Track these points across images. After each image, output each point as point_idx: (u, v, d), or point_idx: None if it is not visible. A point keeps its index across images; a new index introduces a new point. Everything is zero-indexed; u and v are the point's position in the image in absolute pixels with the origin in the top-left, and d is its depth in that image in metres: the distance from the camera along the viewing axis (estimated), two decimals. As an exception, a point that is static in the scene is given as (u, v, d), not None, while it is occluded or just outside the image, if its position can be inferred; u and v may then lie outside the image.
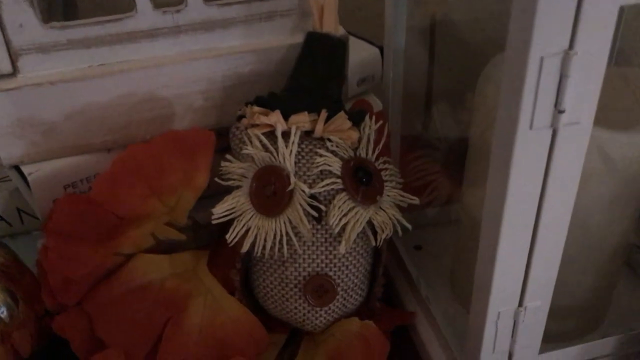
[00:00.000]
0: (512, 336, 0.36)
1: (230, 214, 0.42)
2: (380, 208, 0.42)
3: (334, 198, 0.41)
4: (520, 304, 0.35)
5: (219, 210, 0.42)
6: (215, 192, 0.45)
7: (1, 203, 0.50)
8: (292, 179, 0.40)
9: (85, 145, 0.46)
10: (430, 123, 0.52)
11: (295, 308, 0.43)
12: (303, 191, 0.40)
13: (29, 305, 0.42)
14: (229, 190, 0.42)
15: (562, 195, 0.31)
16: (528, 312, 0.35)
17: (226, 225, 0.49)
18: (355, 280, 0.43)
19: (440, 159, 0.51)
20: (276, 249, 0.41)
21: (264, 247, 0.41)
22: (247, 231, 0.41)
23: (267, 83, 0.47)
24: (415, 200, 0.44)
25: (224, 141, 0.46)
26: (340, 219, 0.40)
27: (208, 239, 0.48)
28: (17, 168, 0.50)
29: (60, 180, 0.45)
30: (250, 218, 0.42)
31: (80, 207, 0.40)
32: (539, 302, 0.35)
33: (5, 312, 0.40)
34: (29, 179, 0.44)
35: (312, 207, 0.40)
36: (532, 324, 0.36)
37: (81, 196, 0.40)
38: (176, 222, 0.46)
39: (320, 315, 0.43)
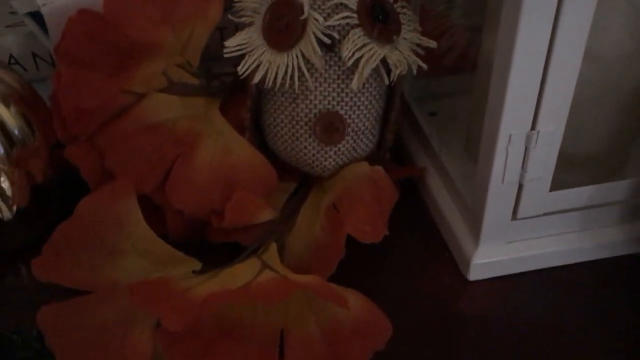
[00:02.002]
0: (523, 165, 0.36)
1: (242, 48, 0.41)
2: (396, 48, 0.41)
3: (348, 33, 0.40)
4: (533, 127, 0.34)
5: (231, 44, 0.42)
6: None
7: (16, 46, 0.50)
8: (306, 9, 0.39)
9: (100, -21, 0.45)
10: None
11: (305, 148, 0.43)
12: (317, 20, 0.39)
13: (43, 134, 0.42)
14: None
15: (578, 16, 0.30)
16: (540, 137, 0.34)
17: (239, 78, 0.49)
18: (366, 123, 0.42)
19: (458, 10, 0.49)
20: (287, 83, 0.40)
21: (274, 81, 0.40)
22: (258, 66, 0.41)
23: None
24: (433, 44, 0.42)
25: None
26: (354, 53, 0.39)
27: (219, 89, 0.48)
28: (31, 14, 0.50)
29: (74, 12, 0.45)
30: (262, 53, 0.41)
31: (93, 25, 0.40)
32: (552, 127, 0.34)
33: (20, 138, 0.40)
34: (43, 10, 0.44)
35: (325, 36, 0.39)
36: (544, 152, 0.35)
37: (95, 13, 0.40)
38: (191, 64, 0.45)
39: (330, 157, 0.43)
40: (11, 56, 0.50)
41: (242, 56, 0.42)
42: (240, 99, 0.47)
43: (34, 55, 0.51)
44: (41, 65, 0.51)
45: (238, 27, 0.43)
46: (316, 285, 0.35)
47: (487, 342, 0.38)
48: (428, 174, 0.47)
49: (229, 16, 0.43)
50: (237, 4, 0.43)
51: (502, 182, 0.36)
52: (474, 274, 0.41)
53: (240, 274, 0.38)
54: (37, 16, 0.50)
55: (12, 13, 0.52)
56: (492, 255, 0.40)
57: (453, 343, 0.39)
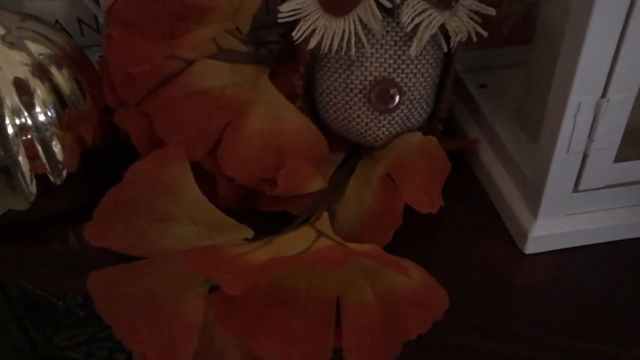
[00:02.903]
0: (590, 135, 0.35)
1: (297, 14, 0.41)
2: (455, 15, 0.40)
3: (406, -1, 0.39)
4: (604, 94, 0.33)
5: (286, 9, 0.41)
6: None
7: (62, 11, 0.49)
8: (365, -28, 0.38)
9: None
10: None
11: (358, 116, 0.42)
12: (376, -16, 0.38)
13: (93, 98, 0.42)
14: None
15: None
16: (610, 105, 0.33)
17: (289, 47, 0.48)
18: (422, 91, 0.41)
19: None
20: (344, 48, 0.39)
21: (330, 46, 0.39)
22: (313, 31, 0.40)
23: None
24: (492, 11, 0.41)
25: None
26: (413, 18, 0.38)
27: (267, 58, 0.47)
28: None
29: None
30: (318, 18, 0.40)
31: (146, -13, 0.39)
32: (624, 94, 0.33)
33: (72, 101, 0.40)
34: (92, -28, 0.43)
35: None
36: (613, 121, 0.34)
37: (147, -26, 0.39)
38: (240, 31, 0.44)
39: (383, 125, 0.42)
40: (56, 22, 0.50)
41: (289, 24, 0.41)
42: (289, 67, 0.46)
43: (79, 21, 0.50)
44: (86, 32, 0.51)
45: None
46: (377, 253, 0.34)
47: (542, 315, 0.38)
48: (480, 146, 0.46)
49: (281, -19, 0.42)
50: (291, -32, 0.42)
51: (567, 152, 0.35)
52: (531, 247, 0.40)
53: (294, 241, 0.37)
54: (81, -19, 0.49)
55: (57, -22, 0.52)
56: (550, 228, 0.39)
57: (506, 315, 0.38)
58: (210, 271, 0.34)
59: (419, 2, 0.39)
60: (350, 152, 0.46)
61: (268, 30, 0.51)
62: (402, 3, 0.39)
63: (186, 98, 0.43)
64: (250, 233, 0.40)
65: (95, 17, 0.50)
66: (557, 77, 0.34)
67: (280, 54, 0.48)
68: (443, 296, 0.36)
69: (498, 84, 0.51)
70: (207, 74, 0.43)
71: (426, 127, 0.44)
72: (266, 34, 0.50)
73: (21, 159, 0.39)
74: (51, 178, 0.41)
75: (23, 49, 0.39)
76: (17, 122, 0.38)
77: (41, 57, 0.39)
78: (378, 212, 0.39)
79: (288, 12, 0.41)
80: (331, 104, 0.42)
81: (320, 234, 0.38)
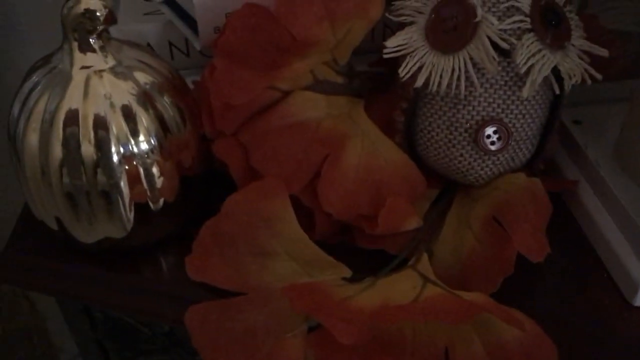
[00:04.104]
0: None
1: (403, 49, 0.40)
2: (567, 55, 0.39)
3: (519, 38, 0.38)
4: None
5: (391, 44, 0.40)
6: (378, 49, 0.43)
7: (154, 34, 0.49)
8: (479, 11, 0.37)
9: (251, -29, 0.44)
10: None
11: (461, 155, 0.41)
12: (491, 23, 0.37)
13: (193, 125, 0.41)
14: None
15: None
16: None
17: (382, 78, 0.47)
18: (529, 132, 0.40)
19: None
20: (453, 87, 0.38)
21: (439, 85, 0.38)
22: (420, 68, 0.39)
23: None
24: (604, 52, 0.40)
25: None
26: (528, 59, 0.37)
27: (361, 89, 0.46)
28: (167, 2, 0.49)
29: (223, 6, 0.44)
30: (425, 54, 0.39)
31: (256, 20, 0.39)
32: None
33: (173, 128, 0.40)
34: (195, 0, 0.43)
35: (502, 40, 0.37)
36: None
37: (262, 7, 0.39)
38: (337, 62, 0.44)
39: (487, 166, 0.41)
40: (148, 44, 0.50)
41: (381, 56, 0.41)
42: (381, 97, 0.46)
43: (171, 44, 0.50)
44: (176, 55, 0.51)
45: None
46: (492, 306, 0.33)
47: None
48: (580, 187, 0.44)
49: (387, 15, 0.41)
50: (397, 3, 0.41)
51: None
52: (641, 300, 0.38)
53: (400, 287, 0.36)
54: (172, 3, 0.49)
55: (148, 0, 0.52)
56: (663, 280, 0.38)
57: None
58: (320, 315, 0.33)
59: (533, 43, 0.38)
60: (445, 187, 0.45)
61: (356, 58, 0.50)
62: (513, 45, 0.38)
63: (283, 129, 0.42)
64: (348, 272, 0.39)
65: (186, 41, 0.50)
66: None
67: (375, 84, 0.47)
68: (552, 349, 0.35)
69: (594, 120, 0.49)
70: (304, 106, 0.43)
71: (526, 166, 0.43)
72: (354, 61, 0.49)
73: (123, 185, 0.39)
74: (151, 205, 0.40)
75: (130, 78, 0.39)
76: (122, 149, 0.38)
77: (147, 85, 0.39)
78: (483, 257, 0.38)
79: (394, 47, 0.40)
80: (432, 141, 0.41)
81: (425, 279, 0.37)
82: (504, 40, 0.37)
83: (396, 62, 0.41)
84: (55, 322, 1.00)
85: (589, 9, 0.52)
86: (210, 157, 0.44)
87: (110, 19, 0.37)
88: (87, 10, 0.36)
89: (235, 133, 0.43)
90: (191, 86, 0.48)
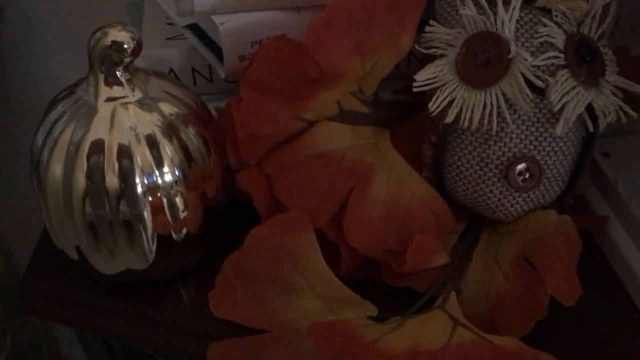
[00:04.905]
0: None
1: (432, 82, 0.39)
2: (601, 92, 0.38)
3: (553, 74, 0.37)
4: None
5: (421, 78, 0.39)
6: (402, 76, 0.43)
7: (177, 59, 0.49)
8: (513, 47, 0.37)
9: (278, 0, 0.43)
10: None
11: (491, 192, 0.40)
12: (525, 59, 0.36)
13: (217, 155, 0.41)
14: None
15: None
16: None
17: (407, 106, 0.46)
18: (561, 170, 0.39)
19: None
20: (485, 123, 0.37)
21: (470, 121, 0.38)
22: (450, 102, 0.38)
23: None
24: (639, 89, 0.39)
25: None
26: (562, 97, 0.37)
27: (386, 118, 0.46)
28: (190, 27, 0.49)
29: (249, 35, 0.43)
30: (455, 89, 0.38)
31: (285, 53, 0.38)
32: None
33: (198, 158, 0.39)
34: (220, 28, 0.43)
35: (537, 77, 0.36)
36: None
37: (289, 40, 0.38)
38: (363, 92, 0.43)
39: (517, 203, 0.40)
40: (171, 70, 0.49)
41: (406, 84, 0.40)
42: (409, 129, 0.45)
43: (194, 70, 0.49)
44: (199, 80, 0.50)
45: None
46: (525, 352, 0.32)
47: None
48: (611, 224, 0.43)
49: (416, 47, 0.41)
50: (427, 34, 0.40)
51: None
52: (676, 345, 0.37)
53: (429, 329, 0.35)
54: (195, 28, 0.49)
55: (170, 24, 0.51)
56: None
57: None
58: (349, 359, 0.32)
59: (567, 80, 0.37)
60: (472, 221, 0.44)
61: (379, 85, 0.49)
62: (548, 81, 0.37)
63: (308, 160, 0.42)
64: (374, 310, 0.38)
65: (210, 67, 0.49)
66: None
67: (401, 115, 0.46)
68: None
69: (622, 152, 0.48)
70: (329, 136, 0.42)
71: (556, 202, 0.42)
72: (379, 89, 0.49)
73: (146, 216, 0.38)
74: (173, 236, 0.40)
75: (155, 109, 0.38)
76: (146, 180, 0.38)
77: (172, 116, 0.39)
78: (514, 297, 0.37)
79: (423, 81, 0.39)
80: (462, 176, 0.41)
81: (455, 321, 0.36)
82: (538, 77, 0.36)
83: (423, 91, 0.40)
84: (63, 332, 1.00)
85: (619, 29, 0.51)
86: (233, 187, 0.43)
87: (138, 50, 0.36)
88: (114, 43, 0.35)
89: (259, 163, 0.42)
90: (214, 112, 0.47)
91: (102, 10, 0.78)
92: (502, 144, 0.38)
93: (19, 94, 0.89)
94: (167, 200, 0.39)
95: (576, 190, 0.42)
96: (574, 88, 0.37)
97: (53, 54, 0.84)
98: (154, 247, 0.40)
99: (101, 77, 0.37)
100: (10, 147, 0.93)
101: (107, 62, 0.36)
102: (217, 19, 0.43)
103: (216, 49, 0.46)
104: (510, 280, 0.38)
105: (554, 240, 0.38)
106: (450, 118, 0.38)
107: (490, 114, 0.37)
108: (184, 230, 0.40)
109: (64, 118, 0.37)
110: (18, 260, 0.96)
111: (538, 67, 0.37)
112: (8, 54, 0.85)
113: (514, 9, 0.37)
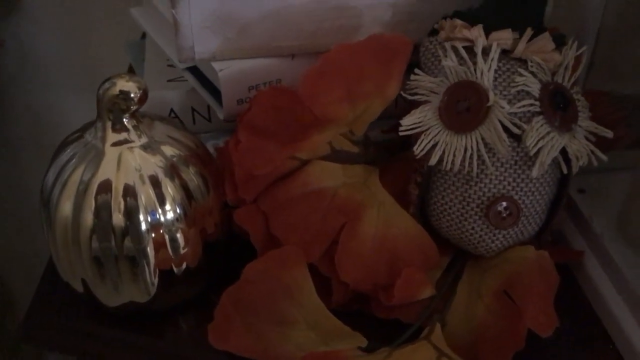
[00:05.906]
0: None
1: (417, 127, 0.42)
2: (574, 137, 0.41)
3: (529, 120, 0.40)
4: None
5: (407, 122, 0.42)
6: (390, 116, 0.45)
7: (177, 100, 0.51)
8: (491, 95, 0.40)
9: (274, 48, 0.46)
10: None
11: (473, 229, 0.43)
12: (502, 107, 0.39)
13: (216, 192, 0.43)
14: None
15: None
16: None
17: (395, 145, 0.49)
18: (538, 208, 0.42)
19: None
20: (466, 165, 0.40)
21: (452, 163, 0.40)
22: (434, 146, 0.41)
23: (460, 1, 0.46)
24: (609, 133, 0.42)
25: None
26: (538, 141, 0.39)
27: (375, 157, 0.48)
28: (190, 69, 0.52)
29: (247, 80, 0.46)
30: (438, 133, 0.41)
31: (281, 101, 0.41)
32: None
33: (198, 196, 0.42)
34: (220, 74, 0.45)
35: (513, 124, 0.39)
36: None
37: (285, 88, 0.41)
38: (354, 133, 0.46)
39: (497, 239, 0.43)
40: (171, 110, 0.52)
41: (393, 124, 0.42)
42: (397, 167, 0.48)
43: (193, 110, 0.52)
44: (198, 120, 0.53)
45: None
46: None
47: None
48: (586, 258, 0.46)
49: (402, 93, 0.44)
50: (412, 82, 0.43)
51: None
52: (647, 375, 0.40)
53: (415, 359, 0.38)
54: (195, 70, 0.52)
55: (171, 66, 0.54)
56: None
57: None
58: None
59: (542, 126, 0.40)
60: (455, 255, 0.46)
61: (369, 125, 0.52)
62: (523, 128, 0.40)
63: (301, 198, 0.44)
64: (364, 341, 0.41)
65: (208, 107, 0.52)
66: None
67: (389, 154, 0.49)
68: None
69: (597, 189, 0.51)
70: (322, 175, 0.45)
71: (535, 238, 0.45)
72: (368, 128, 0.51)
73: (149, 251, 0.41)
74: (174, 270, 0.42)
75: (159, 152, 0.41)
76: (149, 218, 0.40)
77: (174, 158, 0.41)
78: (495, 329, 0.40)
79: (409, 125, 0.42)
80: (445, 214, 0.43)
81: (440, 352, 0.38)
82: (514, 124, 0.39)
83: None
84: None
85: (595, 70, 0.53)
86: (231, 223, 0.45)
87: (144, 99, 0.39)
88: (122, 92, 0.38)
89: (256, 200, 0.44)
90: (212, 150, 0.50)
91: (103, 43, 0.81)
92: (482, 185, 0.41)
93: (18, 123, 0.91)
94: (169, 237, 0.41)
95: (553, 227, 0.44)
96: (548, 133, 0.40)
97: (54, 85, 0.86)
98: (155, 281, 0.42)
99: (109, 124, 0.39)
100: (10, 176, 0.95)
101: (115, 110, 0.39)
102: (216, 65, 0.46)
103: (214, 91, 0.49)
104: (492, 312, 0.41)
105: (532, 275, 0.41)
106: (433, 160, 0.41)
107: (471, 157, 0.40)
108: (184, 265, 0.43)
109: (74, 160, 0.40)
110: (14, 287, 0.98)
111: (515, 114, 0.40)
112: (9, 85, 0.87)
113: (492, 60, 0.41)
